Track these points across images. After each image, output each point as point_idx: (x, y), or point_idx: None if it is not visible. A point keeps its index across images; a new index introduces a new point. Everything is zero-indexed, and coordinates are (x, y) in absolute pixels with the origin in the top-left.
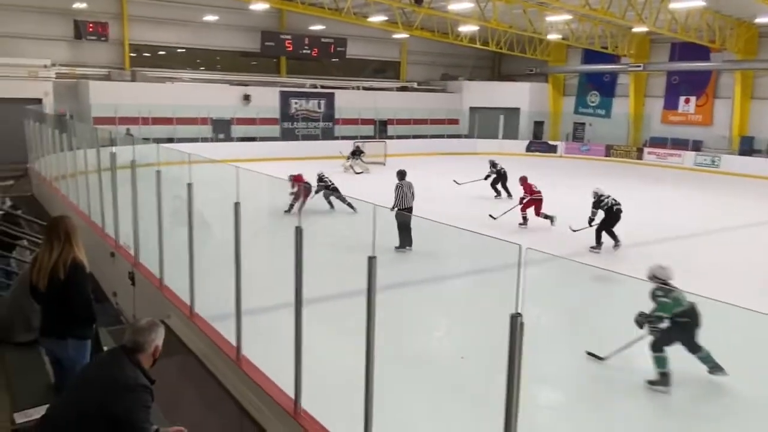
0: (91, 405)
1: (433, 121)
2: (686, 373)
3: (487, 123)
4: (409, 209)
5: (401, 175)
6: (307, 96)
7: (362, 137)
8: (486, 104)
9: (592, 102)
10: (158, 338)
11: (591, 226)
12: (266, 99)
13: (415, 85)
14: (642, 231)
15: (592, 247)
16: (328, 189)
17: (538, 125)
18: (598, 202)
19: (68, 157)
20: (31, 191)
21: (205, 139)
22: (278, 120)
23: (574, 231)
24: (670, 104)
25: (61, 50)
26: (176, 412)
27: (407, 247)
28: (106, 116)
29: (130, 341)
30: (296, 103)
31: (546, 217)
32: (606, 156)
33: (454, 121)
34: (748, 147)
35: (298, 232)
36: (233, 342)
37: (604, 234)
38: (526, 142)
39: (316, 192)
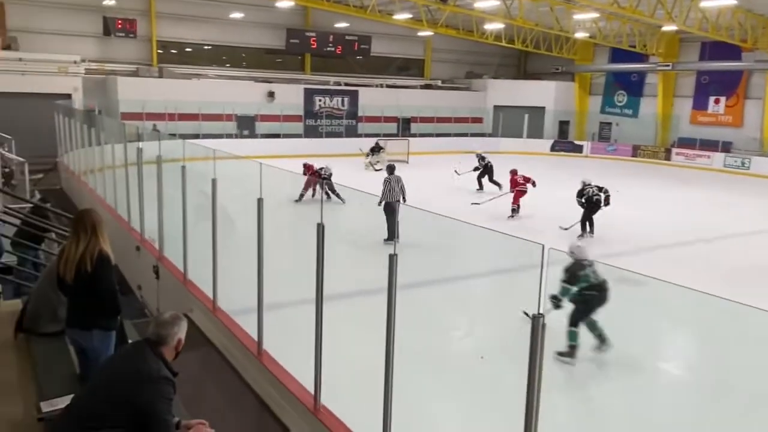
0: (115, 396)
1: (456, 119)
2: None
3: (512, 122)
4: (397, 203)
5: (390, 170)
6: (331, 93)
7: (385, 135)
8: (511, 103)
9: (620, 101)
10: (181, 331)
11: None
12: (290, 96)
13: (439, 83)
14: (671, 233)
15: (579, 236)
16: (324, 179)
17: (564, 124)
18: (582, 191)
19: (96, 151)
20: (60, 185)
21: (229, 136)
22: (302, 117)
23: (565, 229)
24: (700, 104)
25: (90, 46)
26: (197, 405)
27: (395, 240)
28: (133, 112)
29: (154, 334)
30: (320, 100)
31: (513, 210)
32: (633, 156)
33: (478, 120)
34: None
35: (320, 228)
36: (254, 336)
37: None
38: (551, 142)
39: (325, 182)
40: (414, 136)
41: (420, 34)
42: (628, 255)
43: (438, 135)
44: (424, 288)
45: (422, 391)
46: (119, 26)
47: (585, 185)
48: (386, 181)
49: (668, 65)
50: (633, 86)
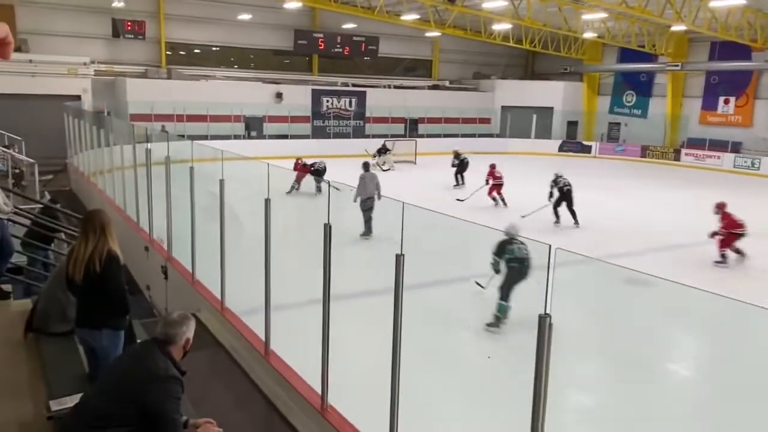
0: (124, 395)
1: (464, 120)
2: None
3: (520, 122)
4: (371, 199)
5: (365, 167)
6: (339, 94)
7: (393, 136)
8: (518, 103)
9: (628, 102)
10: (189, 331)
11: (549, 203)
12: (298, 97)
13: (447, 83)
14: (680, 233)
15: (555, 223)
16: (315, 173)
17: (572, 125)
18: (555, 182)
19: (105, 152)
20: (70, 186)
21: (237, 137)
22: (310, 118)
23: (523, 217)
24: (709, 105)
25: (99, 48)
26: (205, 404)
27: (369, 235)
28: (142, 113)
29: (162, 333)
30: (328, 101)
31: (494, 199)
32: (642, 157)
33: (486, 120)
34: None
35: (327, 228)
36: (262, 336)
37: (563, 212)
38: (559, 142)
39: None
40: (422, 136)
41: (428, 34)
42: (636, 255)
43: (446, 136)
44: (432, 288)
45: (430, 391)
46: (128, 28)
47: (557, 176)
48: (361, 179)
49: (677, 65)
50: (642, 86)
